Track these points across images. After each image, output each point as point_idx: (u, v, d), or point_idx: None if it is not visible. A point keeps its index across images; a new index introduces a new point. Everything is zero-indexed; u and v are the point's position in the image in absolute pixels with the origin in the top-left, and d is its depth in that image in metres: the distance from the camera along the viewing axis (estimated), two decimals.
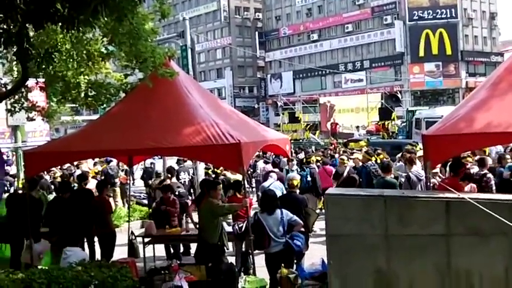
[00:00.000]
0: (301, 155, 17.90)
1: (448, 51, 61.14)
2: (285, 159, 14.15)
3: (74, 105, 11.40)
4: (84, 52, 9.57)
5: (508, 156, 11.06)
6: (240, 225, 8.33)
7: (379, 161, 12.75)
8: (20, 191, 10.90)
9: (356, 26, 67.81)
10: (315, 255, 7.84)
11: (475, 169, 9.88)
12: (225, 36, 79.17)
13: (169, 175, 11.69)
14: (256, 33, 77.47)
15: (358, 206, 5.38)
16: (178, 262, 8.21)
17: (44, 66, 8.78)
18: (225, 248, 8.07)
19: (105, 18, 6.91)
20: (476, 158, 11.32)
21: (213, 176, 13.06)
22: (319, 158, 14.85)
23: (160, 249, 9.83)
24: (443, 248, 5.19)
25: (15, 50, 5.94)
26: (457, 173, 7.90)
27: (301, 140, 32.42)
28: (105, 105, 10.20)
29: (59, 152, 8.53)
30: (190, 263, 8.20)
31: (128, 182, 13.33)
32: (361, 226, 5.32)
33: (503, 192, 7.09)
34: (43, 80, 10.07)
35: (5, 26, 5.58)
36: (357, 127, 36.51)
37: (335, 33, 69.91)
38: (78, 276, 6.08)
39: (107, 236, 9.11)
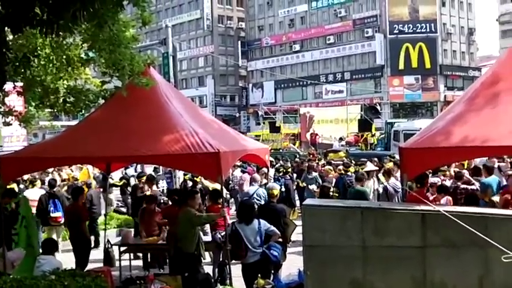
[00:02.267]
0: (278, 165, 17.92)
1: (427, 65, 62.11)
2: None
3: (52, 110, 11.23)
4: (64, 57, 9.49)
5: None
6: (222, 234, 8.28)
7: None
8: None
9: (338, 38, 68.50)
10: (292, 265, 7.83)
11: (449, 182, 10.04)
12: (208, 45, 79.25)
13: (150, 183, 11.56)
14: (239, 42, 77.71)
15: (335, 217, 5.41)
16: (155, 272, 8.13)
17: (22, 70, 8.69)
18: (201, 257, 8.01)
19: (86, 24, 6.88)
20: (452, 171, 11.50)
21: (191, 184, 12.97)
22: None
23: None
24: (420, 259, 5.24)
25: None
26: (423, 184, 8.07)
27: (280, 150, 32.48)
28: (83, 112, 10.09)
29: (36, 158, 8.39)
30: (165, 273, 8.12)
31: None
32: (338, 237, 5.35)
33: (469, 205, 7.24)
34: (21, 84, 9.94)
35: None
36: (340, 138, 36.70)
37: (317, 44, 70.51)
38: (51, 285, 5.96)
39: (81, 243, 8.98)
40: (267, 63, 74.53)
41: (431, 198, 8.24)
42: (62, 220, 11.05)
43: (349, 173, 12.60)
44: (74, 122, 27.85)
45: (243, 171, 16.65)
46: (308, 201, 6.37)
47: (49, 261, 7.50)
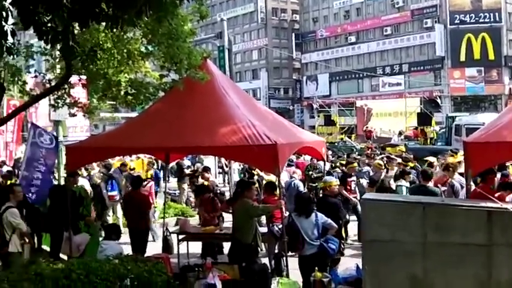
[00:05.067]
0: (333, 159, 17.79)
1: (491, 56, 59.61)
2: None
3: (115, 102, 11.61)
4: (125, 51, 9.75)
5: None
6: (279, 227, 8.33)
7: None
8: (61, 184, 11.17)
9: (395, 29, 66.90)
10: (348, 260, 7.77)
11: None
12: (262, 38, 79.29)
13: (207, 174, 11.78)
14: (293, 34, 77.29)
15: (395, 212, 5.31)
16: (212, 260, 8.27)
17: (87, 64, 9.00)
18: (258, 248, 8.08)
19: (146, 18, 7.04)
20: None
21: (248, 176, 13.08)
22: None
23: (194, 247, 9.90)
24: (484, 258, 5.07)
25: (60, 47, 6.06)
26: (488, 179, 7.74)
27: (336, 144, 32.14)
28: (143, 104, 10.35)
29: (99, 148, 8.72)
30: (223, 261, 8.24)
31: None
32: (399, 232, 5.24)
33: None
34: (85, 77, 10.31)
35: (52, 25, 5.73)
36: (400, 133, 35.79)
37: (373, 36, 69.14)
38: (115, 269, 6.20)
39: (141, 232, 9.25)
40: (322, 56, 73.77)
41: (496, 195, 7.92)
42: (118, 198, 12.59)
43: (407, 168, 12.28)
44: (132, 114, 28.64)
45: (289, 165, 16.69)
46: (368, 195, 6.29)
47: (111, 246, 7.78)
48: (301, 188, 10.76)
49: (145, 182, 12.55)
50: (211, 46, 24.93)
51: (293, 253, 7.61)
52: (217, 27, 43.16)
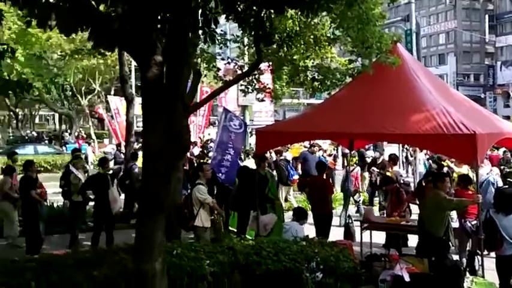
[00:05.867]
0: None
1: None
2: None
3: (300, 88, 11.88)
4: (312, 37, 9.85)
5: None
6: (472, 223, 7.73)
7: None
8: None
9: None
10: None
11: None
12: (450, 20, 74.15)
13: (392, 163, 11.42)
14: (486, 16, 70.83)
15: None
16: (396, 252, 8.01)
17: (276, 50, 9.29)
18: (450, 243, 7.58)
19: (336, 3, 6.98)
20: None
21: (437, 166, 12.35)
22: None
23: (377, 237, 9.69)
24: None
25: (257, 34, 6.29)
26: None
27: None
28: (330, 90, 10.38)
29: (286, 132, 8.97)
30: (410, 254, 7.91)
31: (336, 167, 13.50)
32: None
33: None
34: (271, 63, 10.67)
35: (250, 12, 5.98)
36: None
37: None
38: (303, 250, 6.32)
39: (325, 217, 9.31)
40: None
41: None
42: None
43: None
44: (312, 100, 29.09)
45: None
46: None
47: (292, 226, 7.98)
48: (500, 183, 9.75)
49: (352, 168, 12.66)
50: (397, 30, 24.09)
51: (489, 252, 6.97)
52: (402, 9, 41.53)
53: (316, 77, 10.02)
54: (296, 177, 14.26)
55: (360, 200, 12.96)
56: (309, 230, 8.68)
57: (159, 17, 4.42)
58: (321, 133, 9.10)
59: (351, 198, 12.51)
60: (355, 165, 13.21)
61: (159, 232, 4.64)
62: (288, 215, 10.33)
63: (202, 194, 7.92)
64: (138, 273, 4.76)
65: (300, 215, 8.17)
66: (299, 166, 15.08)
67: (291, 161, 15.83)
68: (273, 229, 8.74)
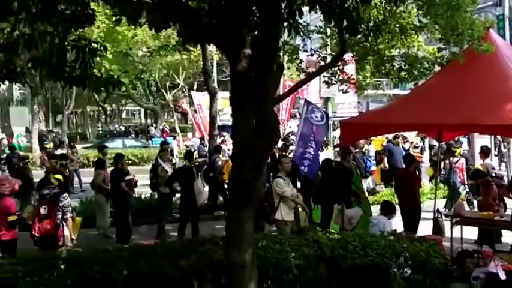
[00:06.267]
0: None
1: None
2: None
3: (384, 79, 11.59)
4: (397, 25, 9.56)
5: None
6: None
7: None
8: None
9: None
10: None
11: None
12: None
13: (484, 155, 10.85)
14: None
15: None
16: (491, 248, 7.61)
17: (361, 41, 9.10)
18: None
19: None
20: None
21: None
22: None
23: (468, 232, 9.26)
24: None
25: (344, 25, 6.17)
26: None
27: None
28: (417, 79, 10.03)
29: (371, 124, 8.75)
30: (505, 250, 7.48)
31: (422, 159, 13.01)
32: None
33: None
34: (354, 54, 10.45)
35: (336, 2, 5.87)
36: None
37: None
38: (391, 245, 6.16)
39: (413, 211, 9.02)
40: None
41: None
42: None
43: None
44: (396, 91, 28.23)
45: None
46: None
47: (380, 220, 7.79)
48: None
49: (456, 159, 12.24)
50: (484, 15, 22.81)
51: None
52: None
53: (403, 67, 9.71)
54: (373, 168, 13.99)
55: (466, 192, 12.41)
56: (397, 224, 8.45)
57: (247, 11, 4.44)
58: (408, 124, 8.77)
59: (461, 192, 12.08)
60: (459, 156, 12.64)
61: (249, 224, 4.68)
62: (374, 209, 10.11)
63: (280, 188, 7.93)
64: (227, 264, 4.83)
65: (387, 209, 7.96)
66: (384, 159, 14.69)
67: (373, 155, 15.49)
68: (358, 223, 8.59)
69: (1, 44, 5.13)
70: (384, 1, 8.05)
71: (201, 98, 23.14)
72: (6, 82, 5.75)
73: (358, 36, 8.01)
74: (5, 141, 22.76)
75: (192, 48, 16.00)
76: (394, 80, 10.95)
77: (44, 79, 21.36)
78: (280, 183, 7.98)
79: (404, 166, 9.93)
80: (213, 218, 11.83)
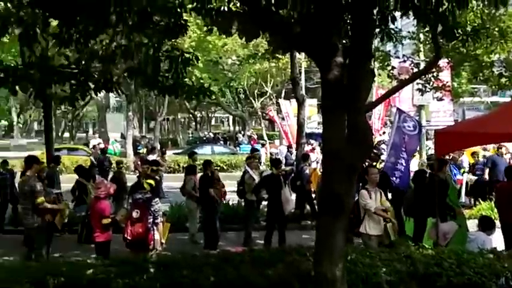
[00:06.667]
0: None
1: None
2: None
3: (482, 86, 10.98)
4: (497, 29, 9.07)
5: None
6: None
7: None
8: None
9: None
10: None
11: None
12: None
13: None
14: None
15: None
16: None
17: (458, 46, 8.67)
18: None
19: None
20: None
21: None
22: None
23: None
24: None
25: (440, 30, 5.89)
26: None
27: None
28: None
29: (469, 133, 8.26)
30: None
31: None
32: None
33: None
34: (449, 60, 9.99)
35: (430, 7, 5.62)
36: None
37: None
38: (491, 264, 5.74)
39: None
40: None
41: None
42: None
43: None
44: (494, 98, 26.65)
45: None
46: None
47: (478, 237, 7.31)
48: None
49: None
50: None
51: None
52: None
53: (504, 73, 9.15)
54: (459, 177, 13.20)
55: None
56: (497, 241, 7.89)
57: (339, 18, 4.35)
58: (507, 134, 8.21)
59: None
60: None
61: (340, 235, 4.52)
62: (470, 224, 9.53)
63: (363, 200, 7.71)
64: (315, 276, 4.71)
65: (486, 225, 7.44)
66: (486, 171, 13.76)
67: (467, 166, 14.59)
68: (452, 238, 8.12)
69: (100, 55, 5.39)
70: (482, 4, 7.60)
71: (288, 106, 23.19)
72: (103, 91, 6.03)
73: (454, 41, 7.61)
74: (101, 145, 24.08)
75: (280, 56, 16.10)
76: (493, 86, 10.32)
77: (138, 88, 22.39)
78: (363, 195, 7.78)
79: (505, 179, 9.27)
80: (299, 228, 11.71)
